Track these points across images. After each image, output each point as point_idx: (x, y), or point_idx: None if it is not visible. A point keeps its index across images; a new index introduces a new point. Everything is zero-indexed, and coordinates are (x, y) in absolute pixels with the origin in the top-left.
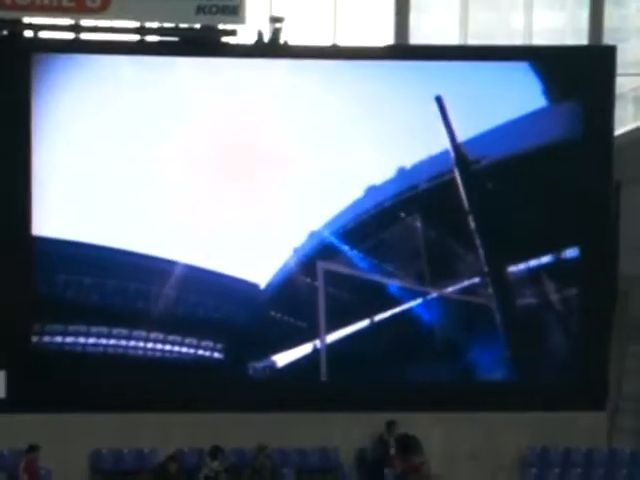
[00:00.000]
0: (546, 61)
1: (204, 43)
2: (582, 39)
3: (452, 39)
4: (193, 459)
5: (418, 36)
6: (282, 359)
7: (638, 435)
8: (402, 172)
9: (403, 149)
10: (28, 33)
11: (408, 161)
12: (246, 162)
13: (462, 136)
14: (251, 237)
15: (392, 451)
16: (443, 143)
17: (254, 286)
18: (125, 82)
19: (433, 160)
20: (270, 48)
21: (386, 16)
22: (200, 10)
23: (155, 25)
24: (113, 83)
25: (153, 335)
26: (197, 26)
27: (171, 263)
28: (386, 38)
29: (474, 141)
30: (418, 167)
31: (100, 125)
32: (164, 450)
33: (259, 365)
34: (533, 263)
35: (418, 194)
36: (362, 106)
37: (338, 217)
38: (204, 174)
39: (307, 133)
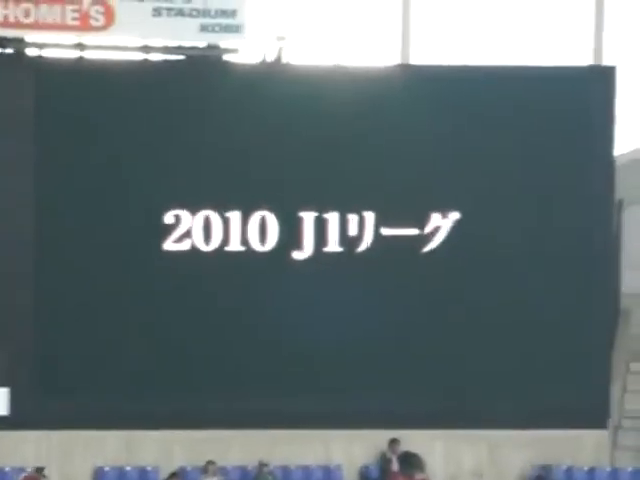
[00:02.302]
0: (547, 81)
1: (207, 62)
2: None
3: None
4: (195, 476)
5: (420, 56)
6: None
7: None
8: None
9: None
10: (32, 51)
11: None
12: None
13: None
14: None
15: (394, 468)
16: None
17: None
18: (129, 100)
19: None
20: (273, 67)
21: (387, 36)
22: (204, 29)
23: (159, 43)
24: (116, 101)
25: None
26: (200, 45)
27: None
28: (389, 58)
29: None
30: None
31: (105, 142)
32: (166, 467)
33: None
34: None
35: None
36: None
37: None
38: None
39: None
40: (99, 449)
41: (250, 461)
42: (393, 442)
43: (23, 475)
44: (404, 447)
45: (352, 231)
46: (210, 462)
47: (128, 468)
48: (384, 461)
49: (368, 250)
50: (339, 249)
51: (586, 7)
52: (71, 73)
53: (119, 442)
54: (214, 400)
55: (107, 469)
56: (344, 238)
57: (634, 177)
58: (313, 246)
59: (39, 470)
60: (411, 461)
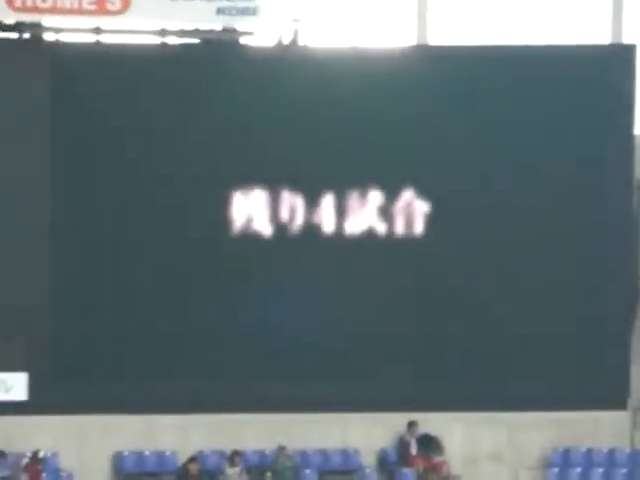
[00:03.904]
0: (567, 60)
1: (224, 45)
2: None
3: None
4: (214, 460)
5: (438, 36)
6: None
7: None
8: None
9: None
10: (49, 35)
11: None
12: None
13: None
14: None
15: (413, 451)
16: None
17: None
18: (145, 84)
19: None
20: (289, 50)
21: (404, 17)
22: (220, 11)
23: (175, 27)
24: (133, 85)
25: None
26: (217, 28)
27: None
28: (406, 39)
29: None
30: None
31: (120, 126)
32: (185, 452)
33: None
34: None
35: None
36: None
37: None
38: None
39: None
40: (118, 434)
41: (268, 445)
42: (412, 425)
43: (24, 463)
44: (423, 430)
45: (370, 211)
46: (236, 453)
47: (147, 452)
48: (402, 444)
49: (381, 233)
50: (357, 231)
51: None
52: (88, 57)
53: (138, 427)
54: (233, 384)
55: (126, 454)
56: (361, 218)
57: None
58: (333, 227)
59: (35, 454)
60: (430, 444)
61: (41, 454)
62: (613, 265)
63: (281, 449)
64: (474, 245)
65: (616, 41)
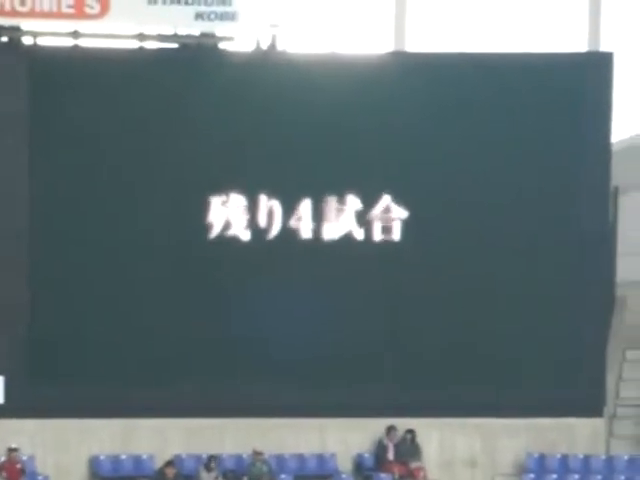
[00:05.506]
0: (544, 68)
1: (202, 49)
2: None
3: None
4: (190, 464)
5: (415, 43)
6: None
7: (636, 441)
8: None
9: None
10: (27, 39)
11: None
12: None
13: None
14: None
15: (390, 456)
16: None
17: None
18: (123, 88)
19: None
20: (268, 55)
21: (382, 24)
22: (199, 16)
23: (154, 31)
24: (111, 89)
25: None
26: (196, 32)
27: None
28: (383, 45)
29: None
30: None
31: (99, 130)
32: (162, 456)
33: None
34: None
35: None
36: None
37: None
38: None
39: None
40: (94, 437)
41: (245, 449)
42: (390, 429)
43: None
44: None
45: (349, 216)
46: (212, 458)
47: (123, 457)
48: (380, 448)
49: (359, 239)
50: (337, 235)
51: None
52: (66, 61)
53: (114, 430)
54: (209, 388)
55: (102, 457)
56: (339, 224)
57: (631, 164)
58: (311, 232)
59: (12, 450)
60: (412, 443)
61: (13, 445)
62: (589, 273)
63: (257, 454)
64: (450, 252)
65: (593, 49)
